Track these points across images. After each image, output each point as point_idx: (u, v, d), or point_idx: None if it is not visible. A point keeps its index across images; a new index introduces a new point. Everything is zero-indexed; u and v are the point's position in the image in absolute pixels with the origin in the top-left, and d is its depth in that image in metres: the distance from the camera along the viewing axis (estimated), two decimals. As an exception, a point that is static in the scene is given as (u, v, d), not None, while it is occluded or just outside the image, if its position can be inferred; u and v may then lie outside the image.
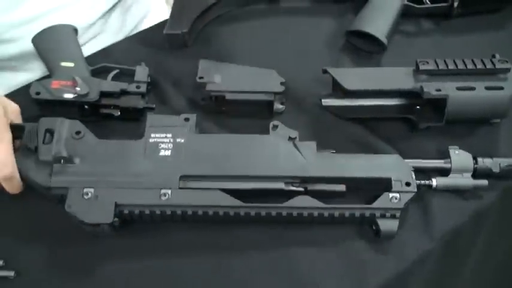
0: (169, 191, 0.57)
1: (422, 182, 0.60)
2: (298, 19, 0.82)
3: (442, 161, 0.62)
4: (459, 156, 0.61)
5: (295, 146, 0.59)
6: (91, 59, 0.75)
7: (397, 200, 0.57)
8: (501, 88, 0.63)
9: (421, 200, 0.61)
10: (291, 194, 0.58)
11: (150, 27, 0.85)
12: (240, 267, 0.58)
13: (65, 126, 0.61)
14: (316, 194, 0.57)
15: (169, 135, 0.58)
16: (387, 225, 0.57)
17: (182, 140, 0.58)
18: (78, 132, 0.60)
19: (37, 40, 0.74)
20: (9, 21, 0.77)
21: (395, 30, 0.77)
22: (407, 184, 0.58)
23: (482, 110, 0.64)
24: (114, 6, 0.88)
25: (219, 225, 0.59)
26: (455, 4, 0.79)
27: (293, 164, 0.58)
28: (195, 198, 0.57)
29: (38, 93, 0.67)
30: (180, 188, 0.57)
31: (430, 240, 0.59)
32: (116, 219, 0.56)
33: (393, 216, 0.57)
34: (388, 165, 0.59)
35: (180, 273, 0.58)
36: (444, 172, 0.62)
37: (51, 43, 0.74)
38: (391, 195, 0.57)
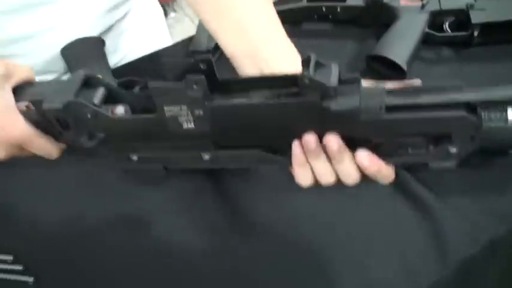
0: (208, 154, 0.55)
1: (493, 115, 0.48)
2: (319, 42, 0.83)
3: None
4: None
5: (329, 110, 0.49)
6: (116, 73, 0.77)
7: (454, 153, 0.49)
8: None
9: (435, 227, 0.62)
10: None
11: (175, 44, 0.87)
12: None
13: (74, 111, 0.54)
14: None
15: (184, 107, 0.51)
16: (439, 165, 0.52)
17: (201, 112, 0.51)
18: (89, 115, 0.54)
19: (66, 52, 0.76)
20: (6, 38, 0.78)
21: (415, 57, 0.77)
22: (472, 138, 0.48)
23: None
24: (107, 30, 0.89)
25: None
26: (476, 33, 0.79)
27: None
28: (237, 159, 0.55)
29: None
30: (220, 149, 0.54)
31: (442, 268, 0.59)
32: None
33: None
34: (451, 120, 0.48)
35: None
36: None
37: (79, 55, 0.76)
38: (449, 148, 0.49)
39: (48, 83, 0.56)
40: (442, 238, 0.61)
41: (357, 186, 0.56)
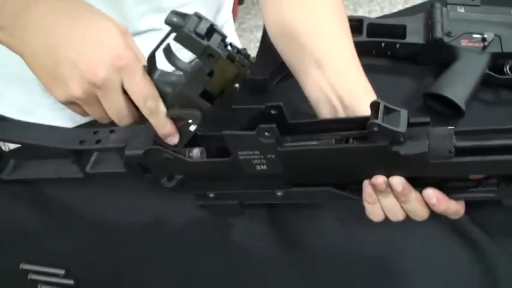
0: (281, 191, 0.58)
1: None
2: (377, 77, 0.82)
3: None
4: None
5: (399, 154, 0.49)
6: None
7: None
8: None
9: (487, 269, 0.61)
10: None
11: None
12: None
13: (154, 156, 0.57)
14: None
15: (256, 152, 0.54)
16: None
17: (273, 156, 0.54)
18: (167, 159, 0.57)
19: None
20: None
21: (474, 98, 0.77)
22: None
23: None
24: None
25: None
26: (537, 77, 0.79)
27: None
28: (308, 195, 0.57)
29: None
30: (292, 186, 0.57)
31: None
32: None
33: None
34: None
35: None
36: None
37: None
38: None
39: (131, 128, 0.59)
40: (493, 279, 0.60)
41: (411, 223, 0.56)
